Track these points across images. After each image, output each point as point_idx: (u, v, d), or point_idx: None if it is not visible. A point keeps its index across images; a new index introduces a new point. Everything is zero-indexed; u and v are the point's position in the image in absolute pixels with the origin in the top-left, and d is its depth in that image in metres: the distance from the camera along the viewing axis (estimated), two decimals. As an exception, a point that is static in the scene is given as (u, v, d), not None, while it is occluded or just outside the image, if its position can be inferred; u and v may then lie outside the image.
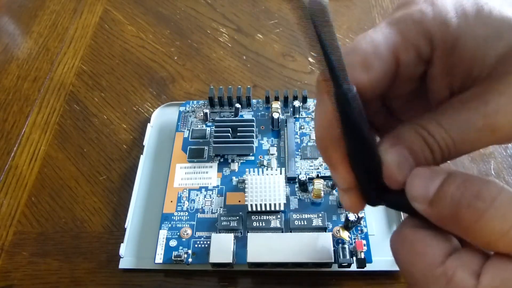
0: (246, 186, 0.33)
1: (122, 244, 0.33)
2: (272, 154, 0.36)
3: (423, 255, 0.16)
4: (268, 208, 0.32)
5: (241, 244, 0.31)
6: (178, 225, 0.33)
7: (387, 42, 0.17)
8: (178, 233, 0.33)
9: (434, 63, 0.18)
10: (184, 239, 0.32)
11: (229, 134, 0.36)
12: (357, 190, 0.19)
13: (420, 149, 0.17)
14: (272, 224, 0.32)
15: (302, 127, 0.38)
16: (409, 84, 0.19)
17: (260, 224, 0.32)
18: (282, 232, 0.32)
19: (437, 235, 0.17)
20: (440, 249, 0.16)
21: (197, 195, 0.35)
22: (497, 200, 0.14)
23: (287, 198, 0.34)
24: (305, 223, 0.32)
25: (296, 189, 0.34)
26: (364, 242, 0.31)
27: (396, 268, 0.31)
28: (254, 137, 0.36)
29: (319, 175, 0.34)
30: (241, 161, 0.36)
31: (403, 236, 0.18)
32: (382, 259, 0.31)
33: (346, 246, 0.31)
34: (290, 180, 0.35)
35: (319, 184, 0.33)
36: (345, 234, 0.31)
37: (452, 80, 0.18)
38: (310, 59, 0.46)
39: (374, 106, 0.20)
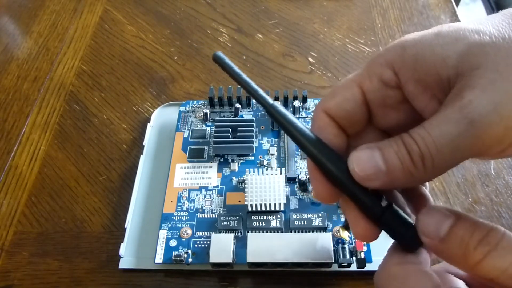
0: (246, 186, 0.33)
1: (122, 244, 0.33)
2: (272, 154, 0.36)
3: None
4: (268, 208, 0.32)
5: (241, 244, 0.31)
6: (178, 225, 0.33)
7: (353, 77, 0.21)
8: (178, 233, 0.33)
9: (405, 84, 0.19)
10: (184, 239, 0.32)
11: (229, 134, 0.36)
12: (361, 214, 0.21)
13: (395, 151, 0.18)
14: (272, 224, 0.32)
15: (302, 127, 0.38)
16: (401, 111, 0.21)
17: (260, 224, 0.32)
18: (282, 232, 0.32)
19: (423, 270, 0.19)
20: (432, 282, 0.19)
21: (197, 195, 0.35)
22: (500, 244, 0.17)
23: (287, 198, 0.34)
24: (305, 223, 0.32)
25: (296, 189, 0.34)
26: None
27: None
28: (254, 137, 0.36)
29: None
30: (241, 161, 0.36)
31: (393, 272, 0.20)
32: (382, 259, 0.31)
33: (346, 246, 0.31)
34: (290, 180, 0.35)
35: (319, 184, 0.33)
36: (345, 234, 0.31)
37: (432, 91, 0.19)
38: (310, 59, 0.46)
39: None
